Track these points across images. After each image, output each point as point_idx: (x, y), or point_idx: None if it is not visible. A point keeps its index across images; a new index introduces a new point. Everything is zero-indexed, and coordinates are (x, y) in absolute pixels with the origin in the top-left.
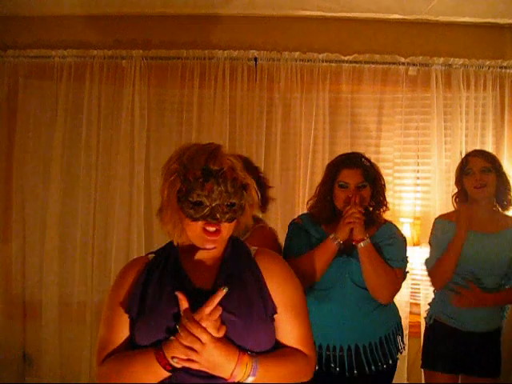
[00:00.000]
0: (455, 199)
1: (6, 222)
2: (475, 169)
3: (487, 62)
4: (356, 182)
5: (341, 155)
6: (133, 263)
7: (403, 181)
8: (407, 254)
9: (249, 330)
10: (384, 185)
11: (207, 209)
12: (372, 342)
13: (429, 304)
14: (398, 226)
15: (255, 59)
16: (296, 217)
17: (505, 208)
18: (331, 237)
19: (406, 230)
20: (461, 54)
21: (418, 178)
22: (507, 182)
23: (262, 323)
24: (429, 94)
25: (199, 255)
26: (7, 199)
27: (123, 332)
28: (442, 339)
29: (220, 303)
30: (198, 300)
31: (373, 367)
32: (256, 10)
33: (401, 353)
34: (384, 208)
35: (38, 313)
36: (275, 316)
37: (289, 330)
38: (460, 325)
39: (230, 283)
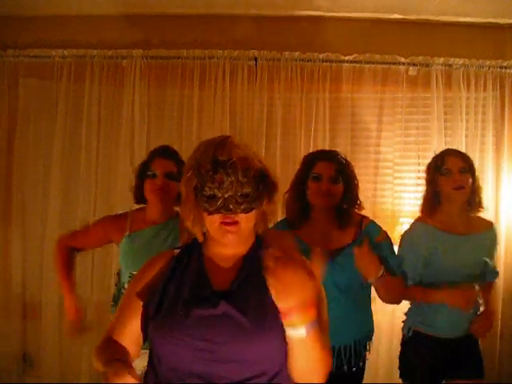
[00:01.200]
0: (426, 201)
1: (6, 222)
2: (454, 169)
3: (487, 62)
4: (329, 174)
5: (318, 150)
6: (158, 257)
7: (403, 181)
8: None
9: (260, 336)
10: (357, 184)
11: (220, 201)
12: (347, 345)
13: (405, 314)
14: (397, 226)
15: (255, 59)
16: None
17: (475, 210)
18: None
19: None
20: (461, 54)
21: (418, 178)
22: (478, 183)
23: (274, 330)
24: (429, 94)
25: (223, 252)
26: (7, 199)
27: (132, 324)
28: (424, 350)
29: (233, 306)
30: (214, 302)
31: (345, 368)
32: (256, 9)
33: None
34: (358, 207)
35: (37, 313)
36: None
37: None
38: (439, 332)
39: (245, 286)
